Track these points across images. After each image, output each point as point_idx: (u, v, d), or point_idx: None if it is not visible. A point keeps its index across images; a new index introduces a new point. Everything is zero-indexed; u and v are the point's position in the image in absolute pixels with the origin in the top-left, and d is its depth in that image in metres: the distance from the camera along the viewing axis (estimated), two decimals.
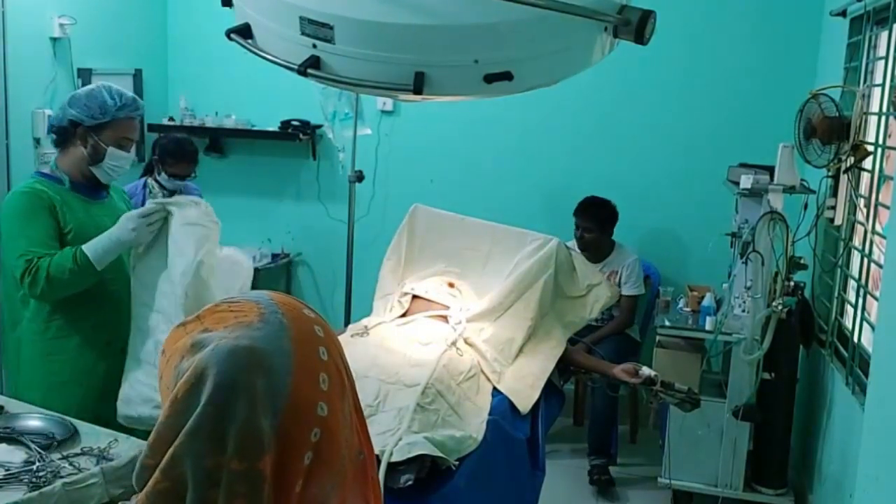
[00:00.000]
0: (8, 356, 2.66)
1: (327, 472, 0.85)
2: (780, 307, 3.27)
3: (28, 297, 2.50)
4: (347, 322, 4.10)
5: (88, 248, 2.45)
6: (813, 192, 3.46)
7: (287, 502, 0.82)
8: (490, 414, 2.84)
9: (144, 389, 2.42)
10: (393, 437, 2.43)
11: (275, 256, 4.95)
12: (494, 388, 3.03)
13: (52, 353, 2.53)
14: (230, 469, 0.79)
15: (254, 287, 4.58)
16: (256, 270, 4.69)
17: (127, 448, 2.06)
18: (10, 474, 1.86)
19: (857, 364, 2.98)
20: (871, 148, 3.13)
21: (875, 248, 3.01)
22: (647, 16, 1.84)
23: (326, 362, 0.87)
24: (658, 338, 3.58)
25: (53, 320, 2.52)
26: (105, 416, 2.58)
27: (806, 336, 3.51)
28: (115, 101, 2.48)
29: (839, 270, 3.40)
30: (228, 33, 1.97)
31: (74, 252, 2.44)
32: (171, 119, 4.99)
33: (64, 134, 2.52)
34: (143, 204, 3.79)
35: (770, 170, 3.50)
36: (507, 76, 1.82)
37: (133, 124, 2.56)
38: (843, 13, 3.50)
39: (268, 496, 0.80)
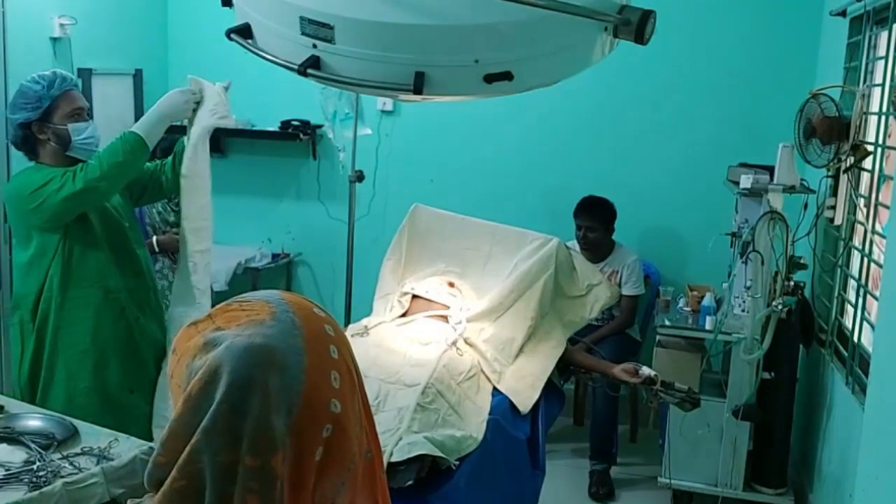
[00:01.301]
0: (14, 338, 2.69)
1: (338, 470, 0.85)
2: (780, 307, 3.27)
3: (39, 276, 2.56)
4: (347, 322, 4.09)
5: (136, 127, 2.58)
6: (813, 191, 3.46)
7: (298, 499, 0.82)
8: (490, 414, 2.84)
9: None
10: (393, 436, 2.43)
11: (275, 256, 4.95)
12: (494, 388, 3.03)
13: (71, 325, 2.59)
14: (245, 465, 0.80)
15: (255, 287, 4.58)
16: (257, 270, 4.70)
17: (127, 448, 2.07)
18: (10, 474, 1.87)
19: (857, 364, 2.98)
20: (870, 148, 3.13)
21: (875, 248, 3.01)
22: (647, 16, 1.84)
23: (337, 360, 0.88)
24: (658, 337, 3.58)
25: (68, 294, 2.58)
26: (126, 382, 2.67)
27: (806, 336, 3.51)
28: (42, 85, 2.55)
29: (839, 270, 3.40)
30: (228, 33, 1.97)
31: (123, 134, 2.56)
32: None
33: (27, 141, 2.61)
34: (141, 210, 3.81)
35: (770, 170, 3.50)
36: (507, 76, 1.82)
37: (73, 95, 2.62)
38: (843, 13, 3.50)
39: (280, 493, 0.81)
